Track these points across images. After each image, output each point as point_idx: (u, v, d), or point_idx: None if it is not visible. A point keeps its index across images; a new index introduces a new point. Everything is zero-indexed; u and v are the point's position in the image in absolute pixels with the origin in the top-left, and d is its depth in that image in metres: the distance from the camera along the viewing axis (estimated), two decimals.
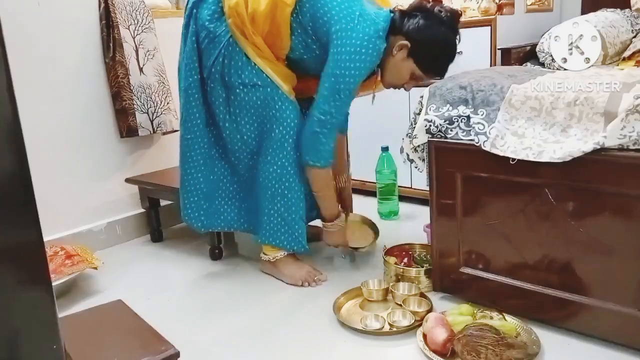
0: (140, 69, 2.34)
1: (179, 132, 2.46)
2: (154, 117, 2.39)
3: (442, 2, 1.77)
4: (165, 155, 2.58)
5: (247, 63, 1.70)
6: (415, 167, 1.71)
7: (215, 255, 2.14)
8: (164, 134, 2.51)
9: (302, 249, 1.86)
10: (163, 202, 2.45)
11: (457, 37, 1.65)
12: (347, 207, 2.14)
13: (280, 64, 1.76)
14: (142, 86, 2.34)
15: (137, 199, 2.43)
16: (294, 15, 1.63)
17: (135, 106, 2.32)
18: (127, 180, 2.38)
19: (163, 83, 2.43)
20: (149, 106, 2.37)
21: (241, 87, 1.72)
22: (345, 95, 1.61)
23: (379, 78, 1.78)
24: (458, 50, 2.26)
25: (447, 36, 1.63)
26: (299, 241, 1.84)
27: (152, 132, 2.39)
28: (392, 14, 1.65)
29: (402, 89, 1.77)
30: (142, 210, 2.44)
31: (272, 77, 1.71)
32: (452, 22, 1.63)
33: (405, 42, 1.62)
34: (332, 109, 1.62)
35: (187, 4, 1.79)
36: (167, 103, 2.45)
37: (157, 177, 2.38)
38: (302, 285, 1.84)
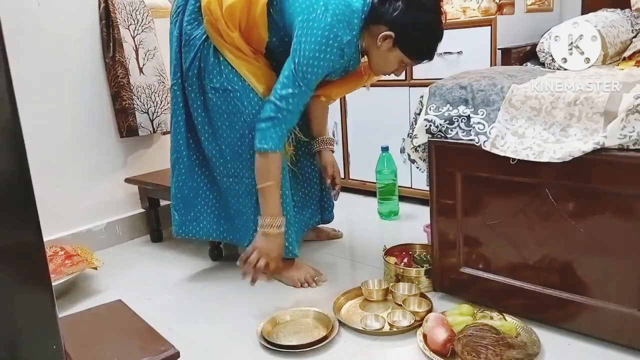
0: (140, 69, 2.34)
1: None
2: (154, 117, 2.39)
3: None
4: (165, 155, 2.57)
5: (219, 66, 1.67)
6: (417, 167, 1.71)
7: (215, 255, 2.14)
8: (163, 133, 2.51)
9: (289, 254, 1.80)
10: (163, 202, 2.44)
11: (442, 16, 1.59)
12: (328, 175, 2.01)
13: (260, 60, 1.72)
14: (142, 86, 2.34)
15: (136, 199, 2.43)
16: (269, 8, 1.62)
17: (135, 106, 2.32)
18: (127, 180, 2.38)
19: (163, 83, 2.43)
20: (149, 106, 2.37)
21: (213, 92, 1.70)
22: (304, 84, 1.54)
23: (365, 74, 1.80)
24: (458, 50, 2.27)
25: (431, 19, 1.57)
26: (285, 246, 1.74)
27: (152, 132, 2.39)
28: (369, 0, 1.56)
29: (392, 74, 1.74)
30: (142, 210, 2.44)
31: (247, 78, 1.66)
32: (432, 3, 1.57)
33: (389, 32, 1.55)
34: (289, 97, 1.55)
35: (172, 10, 1.80)
36: (167, 103, 2.45)
37: (156, 177, 2.38)
38: (301, 286, 1.84)
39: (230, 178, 1.80)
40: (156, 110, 2.40)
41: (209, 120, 1.76)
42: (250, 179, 1.74)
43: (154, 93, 2.39)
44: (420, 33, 1.57)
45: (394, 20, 1.53)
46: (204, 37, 1.68)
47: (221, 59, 1.67)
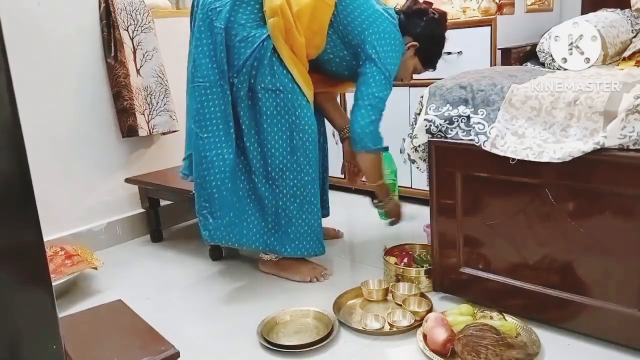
0: (137, 71, 2.34)
1: (177, 131, 2.50)
2: (149, 119, 2.39)
3: (432, 4, 1.91)
4: (165, 155, 2.58)
5: (274, 67, 1.69)
6: (417, 168, 1.71)
7: (215, 255, 2.14)
8: (163, 134, 2.51)
9: (324, 252, 1.90)
10: (163, 202, 2.44)
11: (446, 35, 1.89)
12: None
13: (306, 67, 1.80)
14: (139, 87, 2.34)
15: (137, 199, 2.43)
16: (332, 16, 1.73)
17: (135, 106, 2.32)
18: (127, 180, 2.38)
19: (161, 84, 2.43)
20: (144, 108, 2.37)
21: (262, 92, 1.70)
22: (390, 82, 1.76)
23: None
24: (458, 50, 2.28)
25: (443, 35, 1.87)
26: (321, 245, 1.88)
27: (148, 133, 2.39)
28: (398, 15, 1.82)
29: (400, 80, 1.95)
30: (142, 210, 2.44)
31: (299, 82, 1.73)
32: (444, 22, 1.87)
33: (415, 42, 1.83)
34: (386, 98, 1.76)
35: (202, 3, 1.71)
36: (165, 104, 2.44)
37: (157, 177, 2.38)
38: (310, 281, 1.86)
39: (269, 181, 1.77)
40: (151, 113, 2.40)
41: (254, 119, 1.74)
42: (294, 181, 1.76)
43: (149, 95, 2.39)
44: (437, 46, 1.89)
45: (421, 32, 1.83)
46: (265, 36, 1.67)
47: (275, 60, 1.69)
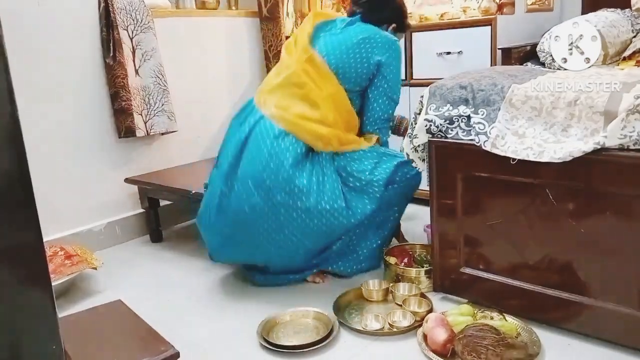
0: (136, 71, 2.34)
1: (176, 131, 2.50)
2: (147, 120, 2.39)
3: None
4: (165, 155, 2.58)
5: None
6: (416, 167, 1.71)
7: None
8: (162, 134, 2.51)
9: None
10: (163, 203, 2.44)
11: None
12: None
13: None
14: (137, 88, 2.34)
15: (136, 199, 2.43)
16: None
17: (133, 107, 2.31)
18: (127, 180, 2.38)
19: (159, 84, 2.42)
20: (142, 108, 2.36)
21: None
22: (395, 99, 1.94)
23: None
24: (458, 50, 2.28)
25: (402, 2, 2.08)
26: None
27: (146, 133, 2.39)
28: (358, 16, 1.94)
29: None
30: (142, 210, 2.44)
31: None
32: None
33: (393, 24, 1.98)
34: (387, 116, 1.93)
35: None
36: (163, 105, 2.43)
37: (156, 177, 2.37)
38: (312, 282, 1.88)
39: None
40: (149, 113, 2.39)
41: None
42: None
43: (147, 95, 2.38)
44: (404, 12, 2.07)
45: (392, 13, 2.00)
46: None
47: None
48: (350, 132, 1.84)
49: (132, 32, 2.31)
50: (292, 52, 1.87)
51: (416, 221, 2.31)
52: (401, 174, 1.78)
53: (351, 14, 1.98)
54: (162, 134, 2.49)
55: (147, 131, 2.39)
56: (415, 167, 1.70)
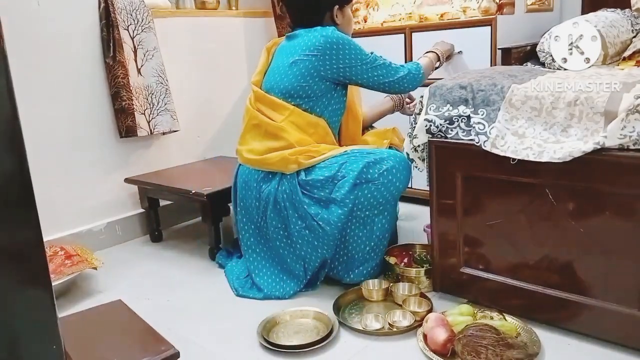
0: (138, 70, 2.34)
1: (178, 131, 2.50)
2: (150, 119, 2.39)
3: None
4: (165, 155, 2.58)
5: None
6: (416, 167, 1.71)
7: (214, 254, 2.14)
8: (163, 134, 2.51)
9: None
10: (163, 202, 2.44)
11: None
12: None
13: None
14: (139, 87, 2.34)
15: (136, 199, 2.43)
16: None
17: (134, 106, 2.32)
18: (127, 180, 2.38)
19: (162, 83, 2.42)
20: (145, 107, 2.36)
21: None
22: (375, 63, 1.82)
23: None
24: (458, 50, 2.28)
25: None
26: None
27: (149, 132, 2.39)
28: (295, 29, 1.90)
29: None
30: (142, 210, 2.44)
31: None
32: None
33: (335, 6, 1.88)
34: (392, 78, 1.84)
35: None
36: (165, 104, 2.44)
37: (156, 177, 2.37)
38: None
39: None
40: (152, 112, 2.39)
41: None
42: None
43: (151, 94, 2.38)
44: None
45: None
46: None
47: None
48: (325, 140, 1.85)
49: (133, 32, 2.31)
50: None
51: (416, 221, 2.31)
52: (373, 171, 1.69)
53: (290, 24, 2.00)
54: (164, 133, 2.49)
55: (151, 130, 2.39)
56: (390, 161, 1.70)
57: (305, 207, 1.72)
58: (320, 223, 1.70)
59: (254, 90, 1.89)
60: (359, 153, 1.75)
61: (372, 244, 1.78)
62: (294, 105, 1.80)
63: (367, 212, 1.72)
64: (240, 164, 1.93)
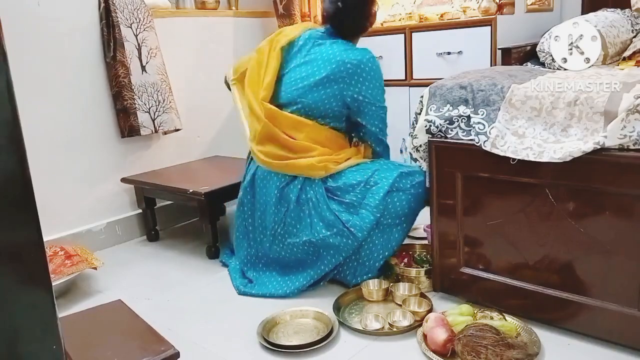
0: (143, 67, 2.34)
1: (180, 130, 2.50)
2: (156, 116, 2.38)
3: None
4: (165, 155, 2.58)
5: None
6: (419, 167, 1.71)
7: (212, 253, 2.14)
8: (164, 133, 2.51)
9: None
10: (162, 202, 2.44)
11: None
12: None
13: None
14: (143, 85, 2.33)
15: (135, 198, 2.42)
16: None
17: (136, 105, 2.31)
18: (123, 180, 2.37)
19: (165, 82, 2.43)
20: (150, 105, 2.36)
21: None
22: (385, 110, 1.84)
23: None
24: (458, 50, 2.28)
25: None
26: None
27: (153, 131, 2.39)
28: (326, 32, 1.85)
29: None
30: (141, 210, 2.44)
31: None
32: None
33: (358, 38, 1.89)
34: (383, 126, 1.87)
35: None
36: (170, 102, 2.44)
37: (153, 177, 2.37)
38: None
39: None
40: (158, 109, 2.39)
41: None
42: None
43: (156, 92, 2.38)
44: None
45: (366, 23, 1.86)
46: None
47: None
48: (343, 150, 1.84)
49: (136, 30, 2.31)
50: (255, 84, 1.86)
51: (416, 221, 2.31)
52: (406, 181, 1.72)
53: (323, 23, 1.89)
54: (165, 133, 2.49)
55: (156, 128, 2.39)
56: (421, 175, 1.69)
57: (336, 214, 1.70)
58: (352, 230, 1.69)
59: (266, 108, 1.79)
60: (390, 163, 1.80)
61: (387, 253, 1.77)
62: (312, 121, 1.78)
63: (389, 221, 1.73)
64: (253, 162, 1.86)
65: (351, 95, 1.74)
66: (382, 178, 1.71)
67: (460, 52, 2.27)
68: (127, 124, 2.32)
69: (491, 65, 2.17)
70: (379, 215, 1.69)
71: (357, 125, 1.83)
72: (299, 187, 1.74)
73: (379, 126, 1.81)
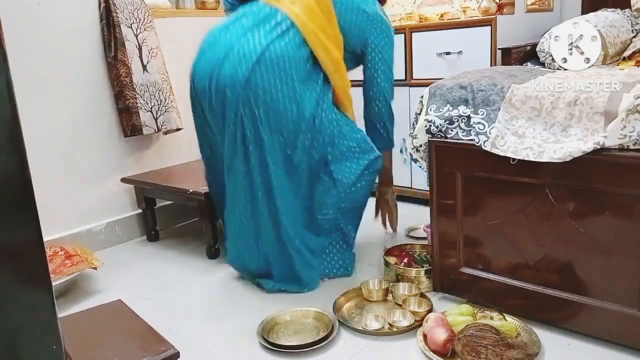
0: (144, 67, 2.34)
1: (182, 129, 2.49)
2: (158, 115, 2.38)
3: None
4: (165, 155, 2.58)
5: None
6: (420, 167, 1.71)
7: (212, 253, 2.14)
8: (166, 133, 2.50)
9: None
10: (162, 202, 2.44)
11: None
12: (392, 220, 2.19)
13: None
14: (145, 84, 2.33)
15: (135, 198, 2.43)
16: None
17: (138, 104, 2.31)
18: (123, 180, 2.37)
19: (166, 81, 2.43)
20: (152, 104, 2.36)
21: None
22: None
23: None
24: (458, 50, 2.28)
25: None
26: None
27: (156, 130, 2.39)
28: None
29: None
30: (140, 210, 2.44)
31: None
32: None
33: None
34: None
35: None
36: (171, 101, 2.44)
37: (153, 177, 2.37)
38: None
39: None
40: (160, 108, 2.39)
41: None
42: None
43: (158, 91, 2.38)
44: None
45: None
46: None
47: None
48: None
49: (137, 29, 2.31)
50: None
51: (416, 221, 2.31)
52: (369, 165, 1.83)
53: None
54: (166, 132, 2.49)
55: (158, 127, 2.39)
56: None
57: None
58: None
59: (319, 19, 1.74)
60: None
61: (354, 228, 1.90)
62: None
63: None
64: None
65: (375, 40, 1.85)
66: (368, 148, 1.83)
67: (460, 52, 2.27)
68: (129, 123, 2.32)
69: (491, 65, 2.17)
70: (361, 169, 1.80)
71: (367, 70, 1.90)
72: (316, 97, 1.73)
73: (384, 71, 1.90)
